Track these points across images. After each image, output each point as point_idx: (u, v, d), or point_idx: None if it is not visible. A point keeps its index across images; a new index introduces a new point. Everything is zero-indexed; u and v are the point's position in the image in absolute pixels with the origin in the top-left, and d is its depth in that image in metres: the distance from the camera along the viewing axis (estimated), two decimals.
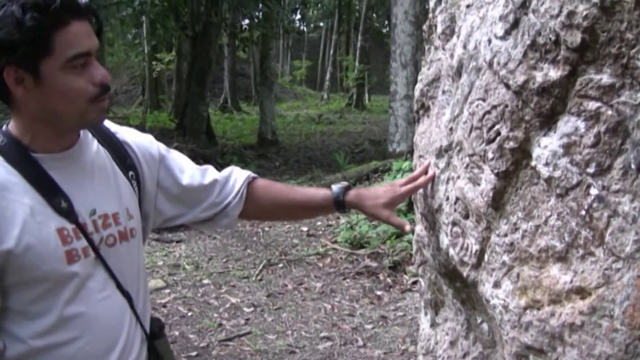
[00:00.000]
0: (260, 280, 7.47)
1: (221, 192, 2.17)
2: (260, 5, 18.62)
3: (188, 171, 2.14)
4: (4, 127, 1.79)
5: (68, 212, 1.75)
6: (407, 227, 2.11)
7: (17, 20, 1.60)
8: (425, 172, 2.08)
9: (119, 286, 1.87)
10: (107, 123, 2.01)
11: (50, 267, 1.70)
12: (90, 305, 1.79)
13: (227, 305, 6.66)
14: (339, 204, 2.16)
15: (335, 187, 2.18)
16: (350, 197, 2.15)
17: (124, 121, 16.74)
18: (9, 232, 1.65)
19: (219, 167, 2.26)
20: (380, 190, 2.14)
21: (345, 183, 2.22)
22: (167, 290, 7.08)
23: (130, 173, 1.99)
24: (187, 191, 2.13)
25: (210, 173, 2.19)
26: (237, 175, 2.22)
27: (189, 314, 6.44)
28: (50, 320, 1.74)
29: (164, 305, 6.57)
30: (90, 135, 1.92)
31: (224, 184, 2.18)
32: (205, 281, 7.42)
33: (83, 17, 1.69)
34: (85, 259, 1.77)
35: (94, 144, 1.92)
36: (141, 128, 1.98)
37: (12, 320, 1.73)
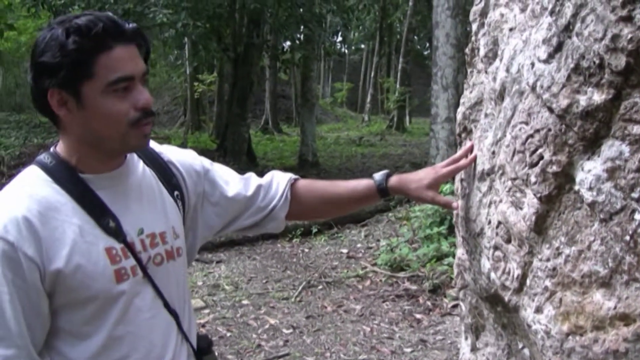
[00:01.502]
0: (300, 301, 7.46)
1: (266, 196, 2.22)
2: (302, 27, 18.67)
3: (233, 181, 2.19)
4: (52, 149, 1.83)
5: (116, 232, 1.78)
6: (455, 204, 2.15)
7: (61, 44, 1.64)
8: (467, 154, 2.10)
9: (166, 305, 1.89)
10: (152, 143, 2.04)
11: (100, 287, 1.73)
12: (138, 325, 1.81)
13: (266, 326, 6.65)
14: (383, 191, 2.19)
15: (377, 175, 2.21)
16: (393, 183, 2.18)
17: (165, 141, 16.84)
18: (59, 253, 1.67)
19: None
20: (421, 173, 2.17)
21: (386, 170, 2.25)
22: (207, 311, 7.10)
23: (176, 193, 2.01)
24: (234, 201, 2.16)
25: (253, 180, 2.24)
26: (280, 178, 2.27)
27: (228, 334, 6.44)
28: (100, 340, 1.76)
29: (203, 326, 6.59)
30: (136, 156, 1.95)
31: (268, 188, 2.23)
32: (245, 302, 7.43)
33: (128, 42, 1.72)
34: (134, 277, 1.79)
35: (140, 165, 1.95)
36: (182, 148, 2.01)
37: (63, 340, 1.76)
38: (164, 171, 2.02)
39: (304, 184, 2.30)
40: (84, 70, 1.66)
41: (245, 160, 17.68)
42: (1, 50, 28.67)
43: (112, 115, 1.70)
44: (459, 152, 2.14)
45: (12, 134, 20.23)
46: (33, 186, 1.74)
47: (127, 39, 1.71)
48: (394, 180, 2.18)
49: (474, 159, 2.04)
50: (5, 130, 20.78)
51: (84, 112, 1.70)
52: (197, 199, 2.10)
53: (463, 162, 2.09)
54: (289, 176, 2.28)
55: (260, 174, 2.29)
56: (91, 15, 1.68)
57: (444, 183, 2.29)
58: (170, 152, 2.09)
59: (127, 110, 1.71)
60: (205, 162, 2.17)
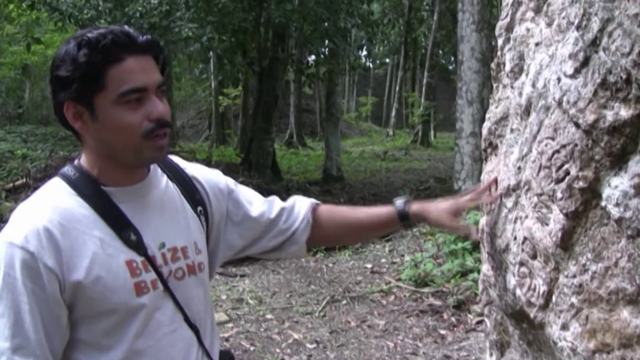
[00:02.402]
0: (324, 316, 7.45)
1: (288, 219, 2.21)
2: (327, 41, 18.68)
3: (256, 203, 2.19)
4: (75, 161, 1.84)
5: (137, 245, 1.78)
6: (474, 233, 2.16)
7: (72, 58, 1.68)
8: (490, 186, 2.10)
9: (187, 319, 1.89)
10: (176, 159, 2.06)
11: (119, 299, 1.73)
12: (158, 339, 1.81)
13: (290, 341, 6.65)
14: (404, 218, 2.19)
15: (398, 202, 2.21)
16: (414, 210, 2.18)
17: (190, 155, 16.97)
18: (79, 264, 1.68)
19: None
20: (442, 202, 2.18)
21: (406, 196, 2.26)
22: (230, 325, 7.10)
23: (199, 208, 2.02)
24: (256, 222, 2.16)
25: (276, 203, 2.24)
26: (302, 203, 2.27)
27: (252, 348, 6.44)
28: (121, 353, 1.76)
29: (227, 340, 6.59)
30: (160, 170, 1.96)
31: (290, 211, 2.23)
32: (269, 316, 7.43)
33: (142, 53, 1.73)
34: (154, 291, 1.80)
35: (164, 179, 1.96)
36: (207, 162, 2.01)
37: (83, 352, 1.76)
38: (188, 186, 2.02)
39: (326, 209, 2.30)
40: (95, 82, 1.68)
41: (269, 174, 17.69)
42: (28, 63, 29.00)
43: (124, 126, 1.72)
44: (482, 186, 2.14)
45: (38, 146, 20.35)
46: (56, 198, 1.76)
47: (141, 50, 1.73)
48: (415, 206, 2.19)
49: (498, 198, 2.03)
50: (31, 143, 20.93)
51: (97, 124, 1.73)
52: (220, 217, 2.11)
53: (486, 197, 2.10)
54: (310, 201, 2.29)
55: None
56: (104, 28, 1.71)
57: None
58: (195, 169, 2.10)
59: (139, 121, 1.72)
60: (230, 182, 2.18)
